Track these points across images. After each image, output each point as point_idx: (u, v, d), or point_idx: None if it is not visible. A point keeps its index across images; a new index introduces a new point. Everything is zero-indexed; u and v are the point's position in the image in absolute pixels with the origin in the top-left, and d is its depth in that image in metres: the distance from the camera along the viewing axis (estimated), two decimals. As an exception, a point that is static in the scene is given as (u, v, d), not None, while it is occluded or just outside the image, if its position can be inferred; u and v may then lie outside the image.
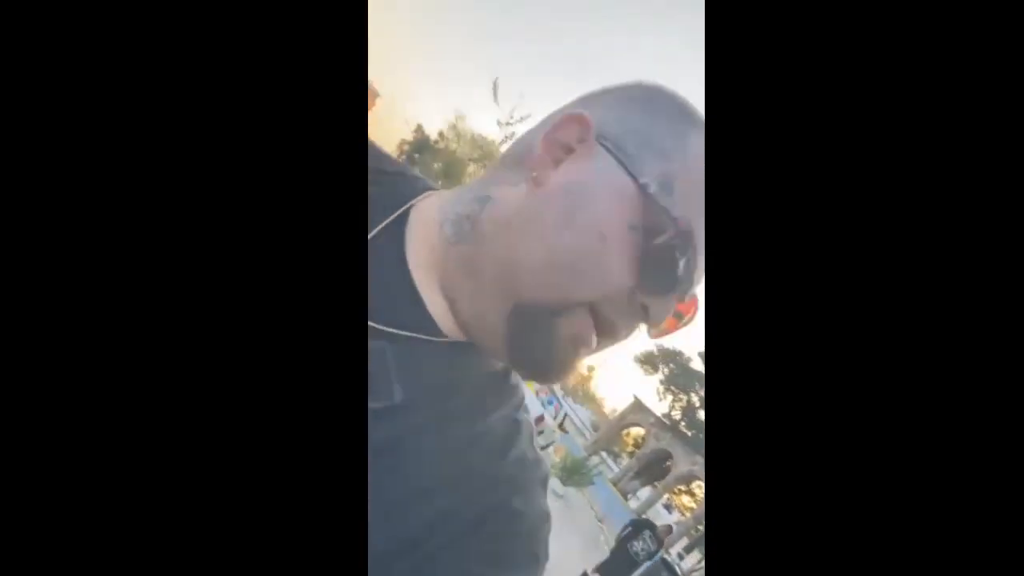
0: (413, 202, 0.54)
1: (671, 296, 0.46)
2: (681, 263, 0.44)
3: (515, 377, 0.57)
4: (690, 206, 0.44)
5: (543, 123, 0.49)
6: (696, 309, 0.48)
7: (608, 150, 0.45)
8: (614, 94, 0.50)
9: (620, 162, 0.45)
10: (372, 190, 0.49)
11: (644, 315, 0.46)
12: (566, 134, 0.47)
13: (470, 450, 0.50)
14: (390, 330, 0.47)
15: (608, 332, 0.47)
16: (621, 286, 0.45)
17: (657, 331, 0.48)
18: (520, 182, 0.47)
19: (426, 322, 0.50)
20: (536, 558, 0.50)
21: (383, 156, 0.58)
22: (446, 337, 0.50)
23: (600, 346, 0.48)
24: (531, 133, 0.51)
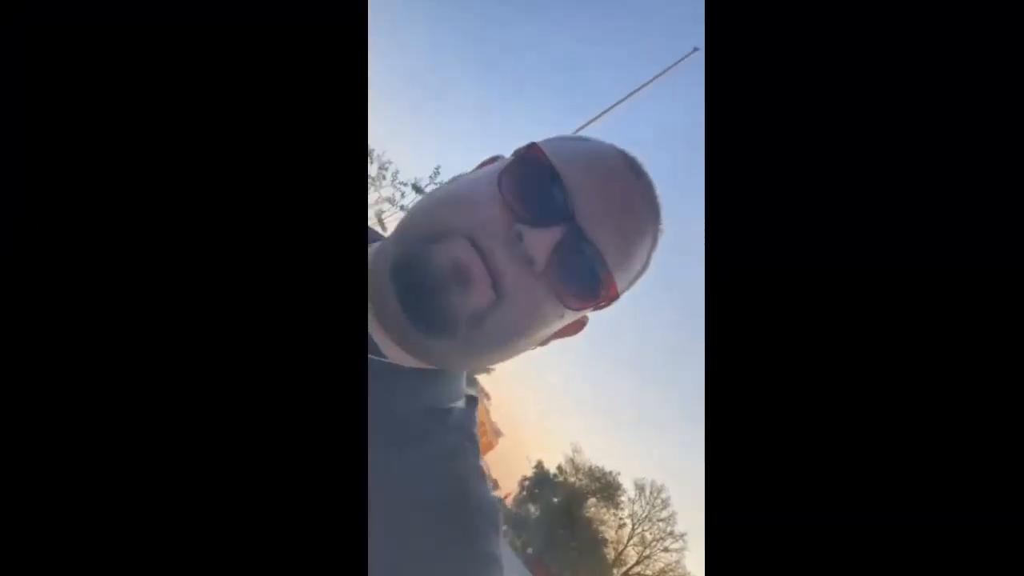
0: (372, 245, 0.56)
1: (545, 228, 0.46)
2: (542, 188, 0.47)
3: (458, 416, 0.55)
4: (553, 149, 0.48)
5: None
6: (609, 285, 0.49)
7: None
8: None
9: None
10: None
11: (518, 244, 0.45)
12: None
13: (417, 478, 0.48)
14: None
15: (491, 263, 0.46)
16: (490, 214, 0.46)
17: (572, 299, 0.49)
18: None
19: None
20: (493, 561, 0.48)
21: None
22: (385, 357, 0.51)
23: (498, 298, 0.46)
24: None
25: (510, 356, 0.53)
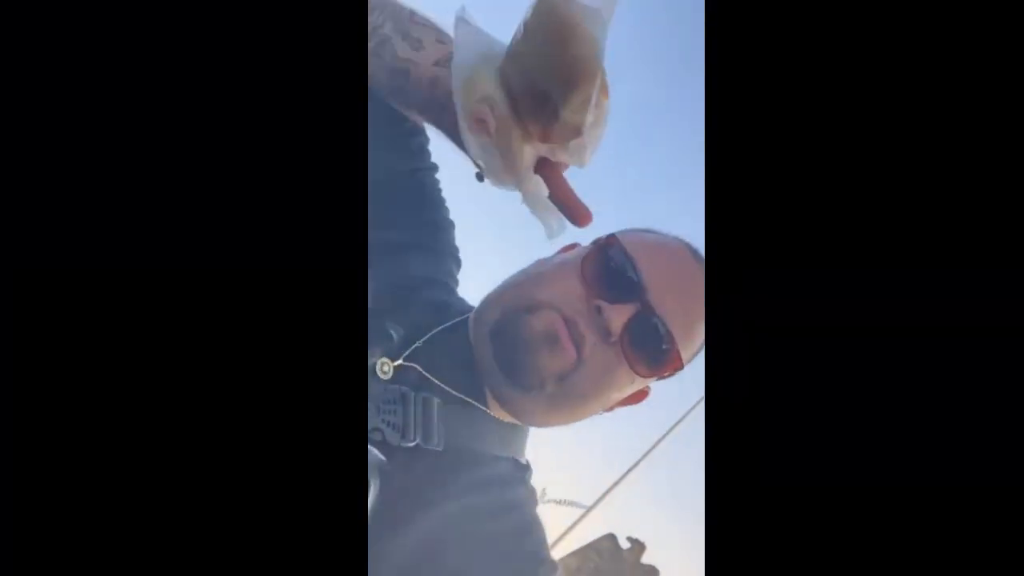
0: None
1: (621, 304, 0.55)
2: (619, 270, 0.56)
3: (524, 470, 0.63)
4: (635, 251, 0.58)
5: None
6: (675, 358, 0.58)
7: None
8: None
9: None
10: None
11: (600, 317, 0.54)
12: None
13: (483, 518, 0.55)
14: (445, 388, 0.56)
15: (574, 330, 0.54)
16: (574, 291, 0.55)
17: (642, 368, 0.57)
18: None
19: (475, 389, 0.58)
20: None
21: None
22: (488, 408, 0.58)
23: (579, 360, 0.55)
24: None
25: (583, 416, 0.62)
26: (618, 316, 0.54)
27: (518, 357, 0.55)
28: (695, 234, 0.59)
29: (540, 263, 0.63)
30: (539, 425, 0.63)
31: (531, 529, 0.59)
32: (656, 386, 0.67)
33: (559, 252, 0.66)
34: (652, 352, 0.57)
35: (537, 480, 0.62)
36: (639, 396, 0.65)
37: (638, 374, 0.57)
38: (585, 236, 0.65)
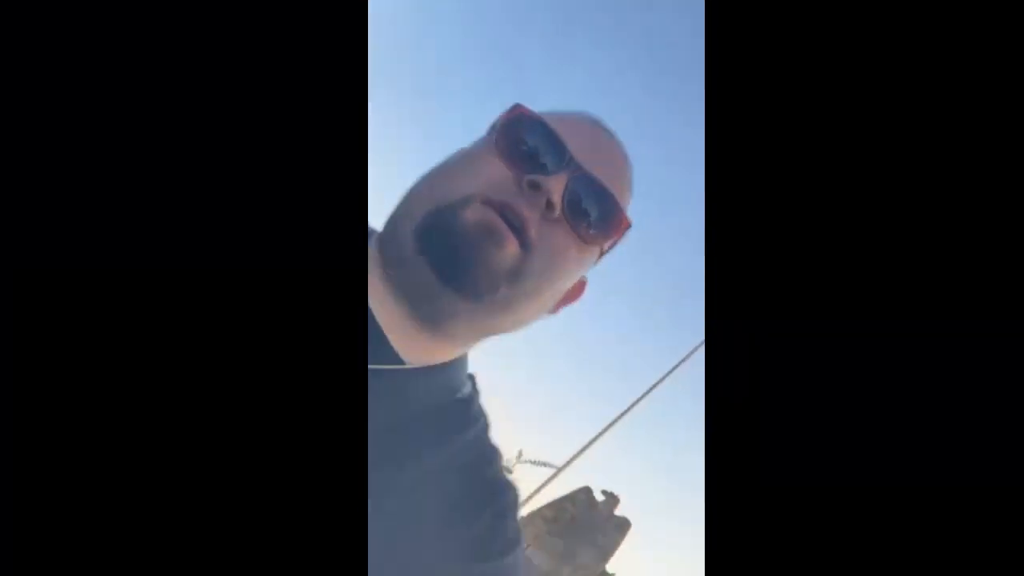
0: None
1: (554, 174, 0.49)
2: (540, 139, 0.50)
3: (477, 405, 0.57)
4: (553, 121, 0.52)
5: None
6: (620, 214, 0.54)
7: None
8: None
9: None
10: None
11: (536, 192, 0.49)
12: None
13: (442, 476, 0.50)
14: None
15: (511, 216, 0.48)
16: (497, 174, 0.50)
17: (592, 235, 0.52)
18: None
19: (385, 350, 0.50)
20: (516, 541, 0.52)
21: None
22: (404, 363, 0.51)
23: (527, 248, 0.48)
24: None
25: (537, 313, 0.56)
26: (556, 185, 0.49)
27: (460, 263, 0.47)
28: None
29: (441, 167, 0.55)
30: (482, 337, 0.56)
31: (491, 457, 0.55)
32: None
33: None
34: (598, 214, 0.52)
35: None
36: (578, 290, 0.60)
37: (587, 242, 0.52)
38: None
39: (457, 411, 0.55)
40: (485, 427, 0.56)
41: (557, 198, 0.49)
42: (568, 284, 0.56)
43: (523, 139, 0.51)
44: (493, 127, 0.55)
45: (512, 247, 0.48)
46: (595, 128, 0.57)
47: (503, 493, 0.53)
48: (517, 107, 0.53)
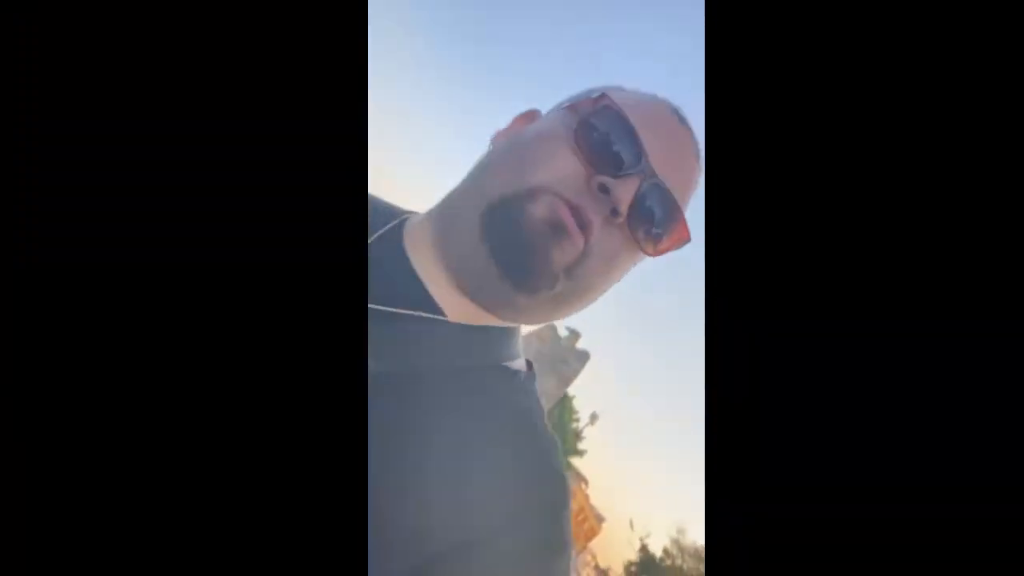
0: (406, 215, 0.58)
1: (626, 178, 0.48)
2: (620, 140, 0.49)
3: (528, 382, 0.56)
4: (632, 111, 0.50)
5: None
6: (682, 227, 0.53)
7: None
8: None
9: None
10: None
11: (605, 195, 0.48)
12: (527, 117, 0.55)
13: (488, 439, 0.49)
14: (380, 308, 0.48)
15: (578, 215, 0.48)
16: (570, 169, 0.48)
17: (651, 244, 0.52)
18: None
19: (424, 301, 0.51)
20: (567, 544, 0.49)
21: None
22: (446, 317, 0.51)
23: (587, 248, 0.48)
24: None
25: (580, 309, 0.56)
26: (626, 192, 0.48)
27: (521, 258, 0.47)
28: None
29: (510, 143, 0.54)
30: (528, 323, 0.56)
31: (536, 436, 0.52)
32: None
33: (516, 123, 0.58)
34: (660, 225, 0.51)
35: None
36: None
37: (645, 252, 0.52)
38: (544, 102, 0.57)
39: (502, 379, 0.54)
40: (540, 414, 0.55)
41: (624, 206, 0.48)
42: (619, 278, 0.56)
43: (602, 136, 0.50)
44: (574, 108, 0.53)
45: (575, 246, 0.48)
46: (673, 122, 0.55)
47: (558, 488, 0.51)
48: (603, 97, 0.51)
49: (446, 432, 0.46)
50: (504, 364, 0.55)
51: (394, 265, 0.52)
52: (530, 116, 0.58)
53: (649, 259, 0.55)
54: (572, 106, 0.54)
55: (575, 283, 0.50)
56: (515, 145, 0.53)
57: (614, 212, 0.48)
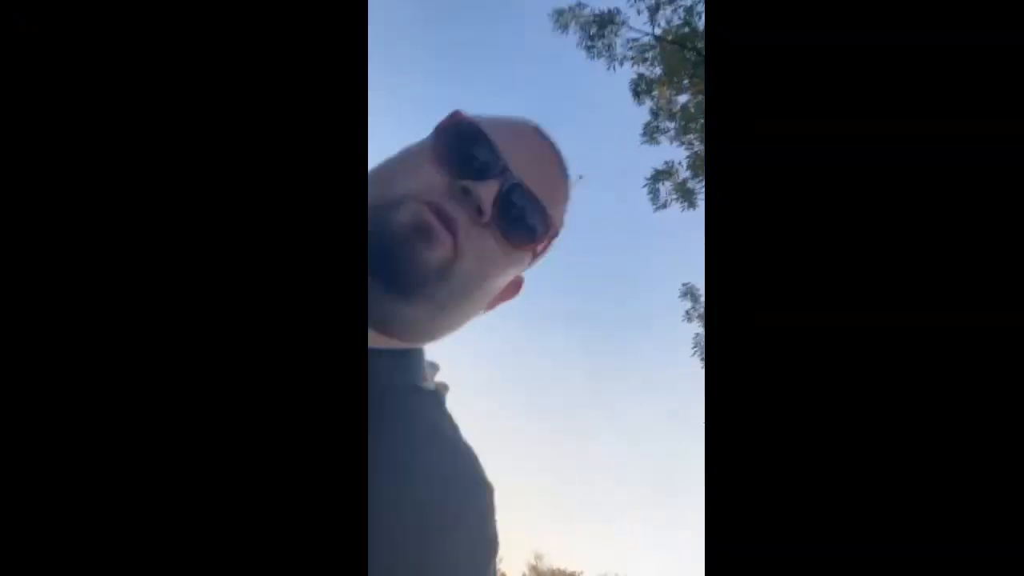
0: None
1: (486, 180, 0.51)
2: (476, 145, 0.53)
3: (435, 398, 0.57)
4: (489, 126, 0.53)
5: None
6: (549, 219, 0.56)
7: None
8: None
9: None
10: None
11: (467, 197, 0.50)
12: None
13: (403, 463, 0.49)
14: None
15: (442, 216, 0.50)
16: (433, 177, 0.51)
17: (521, 239, 0.54)
18: None
19: None
20: (496, 545, 0.50)
21: None
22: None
23: (457, 250, 0.50)
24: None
25: (468, 317, 0.58)
26: (487, 192, 0.51)
27: (392, 258, 0.49)
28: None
29: (382, 166, 0.57)
30: (423, 338, 0.57)
31: (457, 449, 0.53)
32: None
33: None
34: (527, 222, 0.54)
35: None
36: (515, 287, 0.63)
37: (517, 248, 0.55)
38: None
39: (420, 399, 0.55)
40: (456, 428, 0.56)
41: (487, 205, 0.50)
42: (500, 284, 0.58)
43: (459, 145, 0.53)
44: (436, 128, 0.57)
45: (443, 245, 0.49)
46: (534, 135, 0.59)
47: (485, 495, 0.52)
48: (456, 113, 0.55)
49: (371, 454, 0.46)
50: (415, 384, 0.56)
51: None
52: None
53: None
54: (436, 127, 0.57)
55: (451, 285, 0.51)
56: (383, 163, 0.57)
57: (478, 212, 0.51)
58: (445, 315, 0.54)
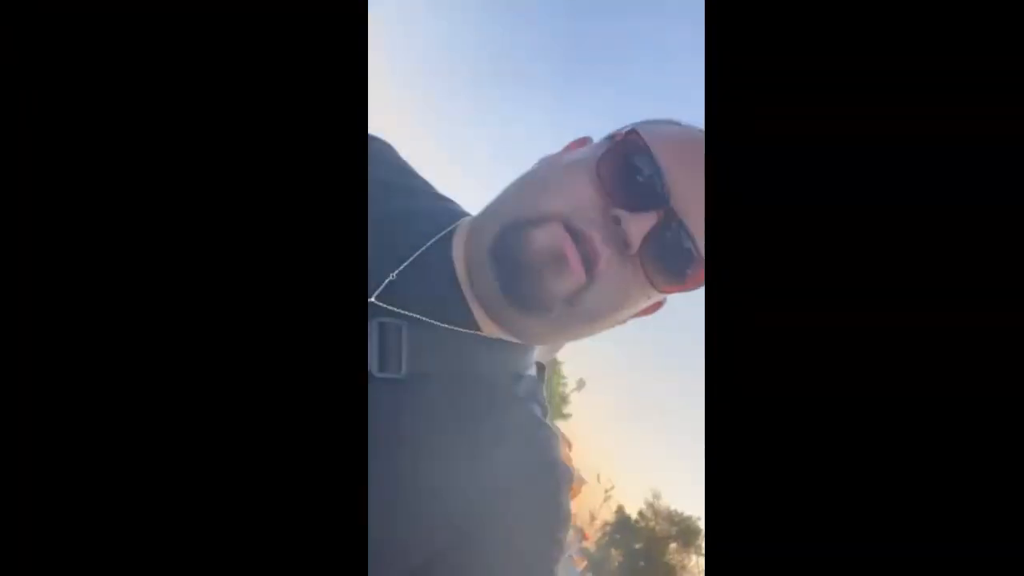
0: (461, 221, 0.59)
1: (642, 213, 0.48)
2: (642, 174, 0.48)
3: (533, 383, 0.58)
4: (651, 135, 0.50)
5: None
6: (698, 271, 0.51)
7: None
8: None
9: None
10: (437, 204, 0.58)
11: (618, 228, 0.48)
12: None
13: (489, 443, 0.51)
14: (411, 314, 0.50)
15: (586, 246, 0.48)
16: (587, 199, 0.48)
17: (664, 281, 0.50)
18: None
19: (460, 312, 0.52)
20: (566, 517, 0.52)
21: (431, 193, 0.65)
22: (479, 330, 0.53)
23: (590, 280, 0.48)
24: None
25: (594, 333, 0.56)
26: (639, 227, 0.47)
27: (520, 279, 0.48)
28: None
29: (547, 163, 0.55)
30: (543, 344, 0.57)
31: (549, 456, 0.54)
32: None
33: (567, 148, 0.58)
34: (675, 265, 0.50)
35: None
36: (654, 307, 0.59)
37: (656, 289, 0.51)
38: (598, 129, 0.57)
39: (510, 382, 0.55)
40: (544, 411, 0.57)
41: (635, 240, 0.47)
42: (632, 312, 0.56)
43: (624, 169, 0.49)
44: (607, 139, 0.54)
45: (574, 278, 0.48)
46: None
47: (555, 475, 0.53)
48: (633, 132, 0.51)
49: (448, 433, 0.48)
50: (514, 371, 0.56)
51: (439, 274, 0.53)
52: (581, 143, 0.58)
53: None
54: (607, 137, 0.54)
55: (575, 309, 0.50)
56: (544, 168, 0.55)
57: (625, 245, 0.48)
58: (563, 332, 0.54)
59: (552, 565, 0.50)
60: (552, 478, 0.52)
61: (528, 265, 0.48)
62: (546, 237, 0.47)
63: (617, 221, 0.47)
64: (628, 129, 0.51)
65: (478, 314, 0.53)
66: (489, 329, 0.53)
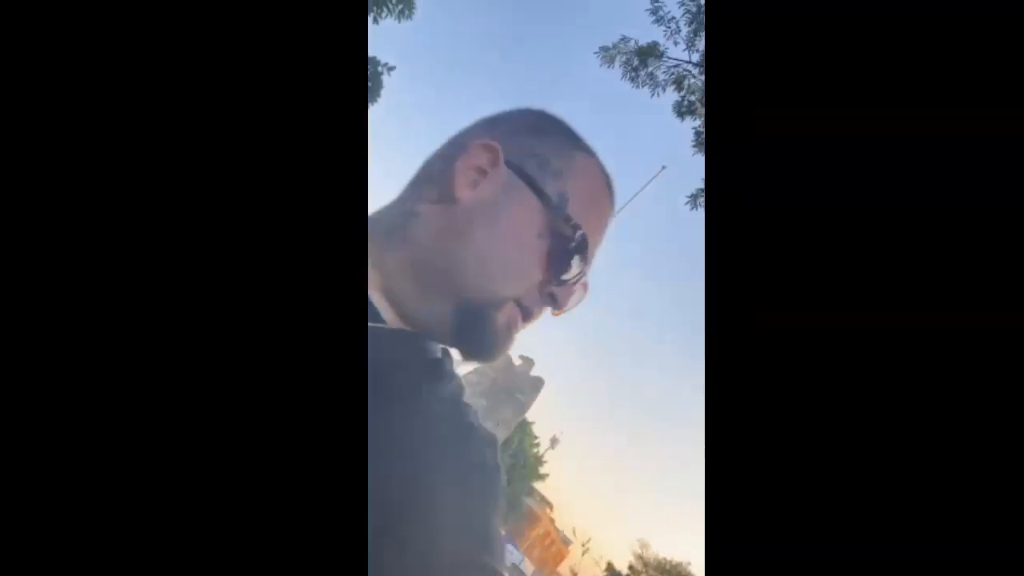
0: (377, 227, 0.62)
1: (573, 286, 0.58)
2: (577, 260, 0.56)
3: (450, 366, 0.62)
4: (583, 214, 0.57)
5: (452, 146, 0.59)
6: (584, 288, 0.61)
7: (515, 173, 0.56)
8: (508, 121, 0.61)
9: (527, 183, 0.56)
10: None
11: (552, 302, 0.58)
12: (479, 160, 0.57)
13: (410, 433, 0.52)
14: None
15: (528, 318, 0.58)
16: (535, 280, 0.56)
17: (559, 311, 0.61)
18: (438, 199, 0.57)
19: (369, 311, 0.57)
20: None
21: None
22: (385, 323, 0.57)
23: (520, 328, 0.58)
24: (441, 156, 0.60)
25: None
26: (568, 294, 0.58)
27: (479, 346, 0.57)
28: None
29: (494, 242, 0.58)
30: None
31: (460, 403, 0.59)
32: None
33: (476, 152, 0.59)
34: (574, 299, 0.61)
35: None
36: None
37: (555, 315, 0.62)
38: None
39: (432, 367, 0.59)
40: (460, 387, 0.61)
41: (563, 305, 0.58)
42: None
43: (566, 256, 0.57)
44: (546, 206, 0.57)
45: (517, 331, 0.57)
46: (608, 196, 0.62)
47: (487, 446, 0.56)
48: (577, 226, 0.57)
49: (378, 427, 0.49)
50: (431, 358, 0.60)
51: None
52: (492, 152, 0.59)
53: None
54: (544, 200, 0.57)
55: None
56: (495, 237, 0.57)
57: (556, 305, 0.58)
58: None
59: (493, 517, 0.52)
60: (475, 439, 0.56)
61: (489, 339, 0.56)
62: (504, 317, 0.56)
63: (553, 298, 0.57)
64: (573, 223, 0.57)
65: (382, 307, 0.57)
66: (393, 322, 0.58)
